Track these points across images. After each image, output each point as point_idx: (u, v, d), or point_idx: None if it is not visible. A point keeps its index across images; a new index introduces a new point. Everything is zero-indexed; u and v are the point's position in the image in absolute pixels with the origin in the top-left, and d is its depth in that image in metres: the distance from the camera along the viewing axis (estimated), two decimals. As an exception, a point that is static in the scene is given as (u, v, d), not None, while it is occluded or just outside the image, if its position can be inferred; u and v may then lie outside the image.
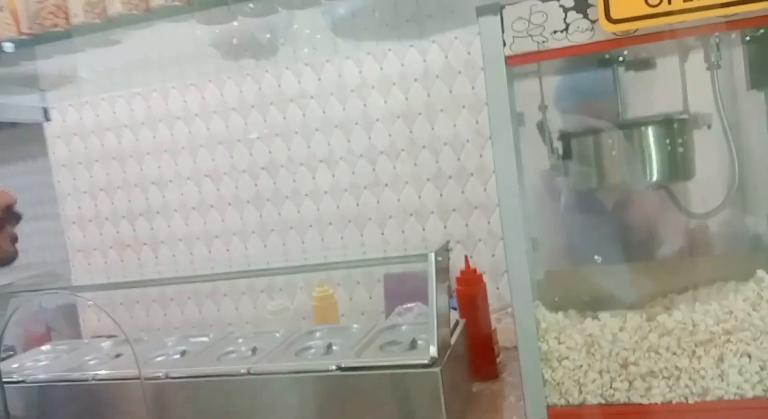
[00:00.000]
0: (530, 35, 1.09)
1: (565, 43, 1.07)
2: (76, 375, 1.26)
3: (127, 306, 2.73)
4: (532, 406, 1.06)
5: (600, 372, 1.06)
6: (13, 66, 1.77)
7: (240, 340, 1.35)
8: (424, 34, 2.50)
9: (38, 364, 1.39)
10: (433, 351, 1.08)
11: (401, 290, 2.36)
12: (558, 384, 1.07)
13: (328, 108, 2.58)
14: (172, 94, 2.67)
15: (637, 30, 1.03)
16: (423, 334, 1.26)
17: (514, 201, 1.05)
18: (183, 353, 1.32)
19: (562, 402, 1.06)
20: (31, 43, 1.56)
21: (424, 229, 2.56)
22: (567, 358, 1.07)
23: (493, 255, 2.46)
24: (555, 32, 1.08)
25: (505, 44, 1.08)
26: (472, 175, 2.51)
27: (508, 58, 1.08)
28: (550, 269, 1.21)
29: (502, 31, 1.07)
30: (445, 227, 2.55)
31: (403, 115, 2.54)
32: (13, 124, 3.03)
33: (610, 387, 1.06)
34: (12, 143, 3.37)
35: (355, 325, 1.38)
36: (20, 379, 1.29)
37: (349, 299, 2.52)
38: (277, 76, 2.61)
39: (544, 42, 1.09)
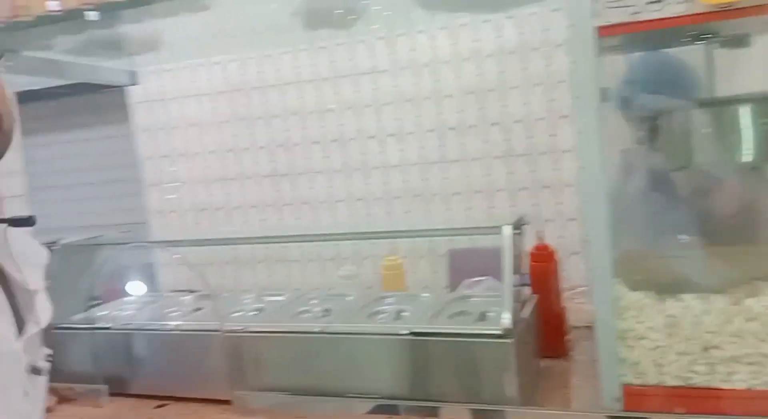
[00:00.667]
0: (623, 6, 1.06)
1: (661, 15, 1.04)
2: (159, 324, 1.34)
3: (202, 268, 2.85)
4: (607, 384, 1.05)
5: (680, 354, 1.04)
6: (103, 28, 1.83)
7: (313, 301, 1.40)
8: (500, 8, 2.45)
9: (123, 314, 1.48)
10: (506, 322, 1.08)
11: (466, 266, 2.36)
12: (634, 363, 1.06)
13: (400, 82, 2.58)
14: (249, 65, 2.73)
15: (736, 2, 0.99)
16: (494, 307, 1.26)
17: (596, 177, 1.03)
18: (259, 310, 1.38)
19: (638, 381, 1.05)
20: (120, 6, 1.62)
21: (491, 207, 2.55)
22: (645, 338, 1.06)
23: (561, 237, 2.42)
24: (650, 3, 1.04)
25: (594, 15, 1.06)
26: (543, 154, 2.47)
27: (600, 29, 1.05)
28: (629, 249, 1.18)
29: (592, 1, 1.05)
30: (512, 206, 2.52)
31: (475, 92, 2.51)
32: (96, 91, 3.17)
33: (690, 369, 1.03)
34: (95, 109, 3.54)
35: (424, 294, 1.39)
36: (107, 326, 1.38)
37: (412, 272, 2.55)
38: (351, 49, 2.63)
39: (637, 13, 1.06)
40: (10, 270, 0.74)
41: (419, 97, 2.57)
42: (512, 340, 1.08)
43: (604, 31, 1.05)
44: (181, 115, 2.83)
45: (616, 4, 1.09)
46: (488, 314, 1.25)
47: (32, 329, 0.73)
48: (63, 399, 1.34)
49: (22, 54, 1.66)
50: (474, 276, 1.65)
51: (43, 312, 0.76)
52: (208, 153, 2.80)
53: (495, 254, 2.49)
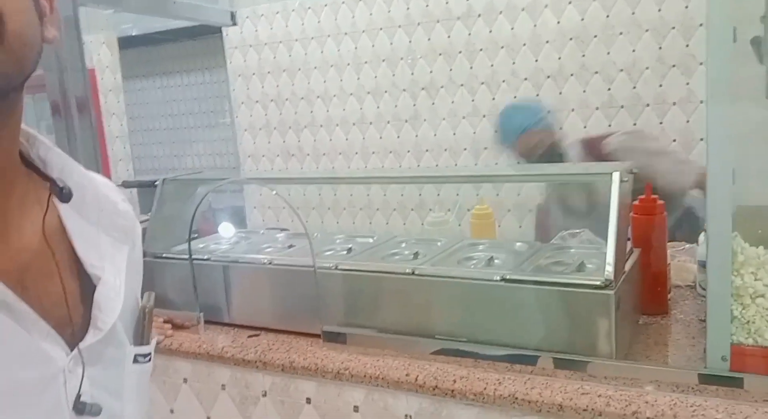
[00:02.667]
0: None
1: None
2: (254, 258, 1.38)
3: (290, 210, 2.92)
4: (715, 341, 0.99)
5: (800, 316, 0.95)
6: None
7: (403, 245, 1.39)
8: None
9: (220, 247, 1.54)
10: (608, 272, 1.03)
11: (556, 220, 2.28)
12: (747, 322, 0.98)
13: (495, 28, 2.48)
14: (342, 10, 2.70)
15: None
16: (593, 259, 1.21)
17: (723, 125, 0.95)
18: (349, 250, 1.39)
19: (750, 341, 0.98)
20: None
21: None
22: (763, 296, 0.98)
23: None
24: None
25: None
26: (647, 105, 2.32)
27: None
28: (749, 204, 1.09)
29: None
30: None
31: (577, 37, 2.37)
32: (195, 37, 3.26)
33: (810, 334, 0.95)
34: (193, 55, 3.64)
35: (518, 243, 1.35)
36: (206, 257, 1.43)
37: (497, 226, 2.50)
38: (448, -10, 2.54)
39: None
40: (80, 248, 0.55)
41: (516, 43, 2.46)
42: (613, 292, 1.03)
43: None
44: (273, 60, 2.86)
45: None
46: (587, 266, 1.19)
47: (91, 337, 0.53)
48: (174, 326, 1.42)
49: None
50: (561, 231, 1.58)
51: (108, 309, 0.55)
52: (299, 98, 2.83)
53: (586, 211, 2.40)
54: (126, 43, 3.15)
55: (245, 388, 1.28)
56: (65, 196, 0.55)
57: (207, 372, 1.32)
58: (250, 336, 1.34)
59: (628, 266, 1.17)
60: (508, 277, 1.12)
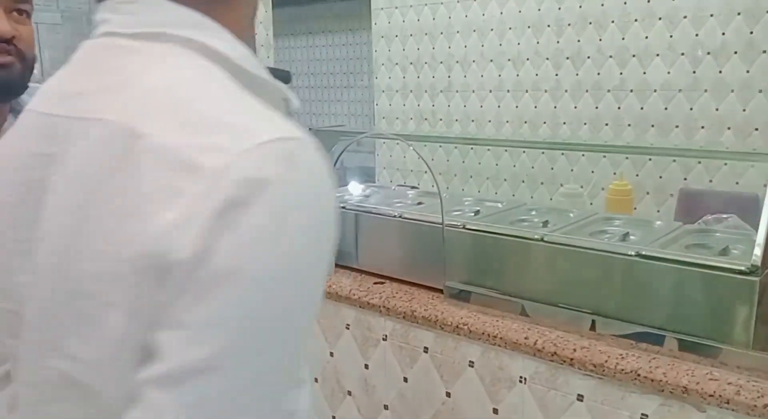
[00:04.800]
0: None
1: None
2: (386, 209, 1.44)
3: (417, 174, 2.97)
4: None
5: None
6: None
7: (533, 212, 1.39)
8: None
9: (354, 197, 1.62)
10: (756, 258, 0.97)
11: (697, 208, 2.14)
12: None
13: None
14: (488, -27, 2.65)
15: None
16: (738, 244, 1.13)
17: None
18: (477, 212, 1.41)
19: None
20: None
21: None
22: None
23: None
24: None
25: None
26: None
27: None
28: None
29: None
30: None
31: (744, 12, 2.16)
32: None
33: None
34: (339, 16, 3.76)
35: (657, 221, 1.30)
36: (341, 206, 1.52)
37: (633, 209, 2.39)
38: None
39: None
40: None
41: (676, 16, 2.29)
42: (758, 279, 0.97)
43: None
44: (417, 23, 2.88)
45: None
46: (732, 250, 1.13)
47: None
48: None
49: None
50: (706, 215, 1.49)
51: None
52: (438, 62, 2.84)
53: (735, 199, 2.22)
54: (279, 1, 3.32)
55: (367, 330, 1.36)
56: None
57: (334, 312, 1.42)
58: (375, 283, 1.41)
59: (776, 256, 1.09)
60: (644, 253, 1.09)
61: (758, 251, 0.97)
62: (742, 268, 0.99)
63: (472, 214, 1.43)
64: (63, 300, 0.45)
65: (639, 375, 1.00)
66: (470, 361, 1.20)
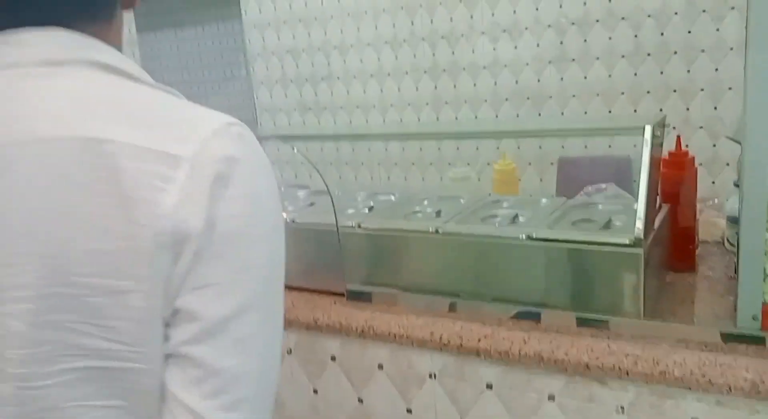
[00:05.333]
0: None
1: None
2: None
3: (308, 166, 2.90)
4: (746, 300, 0.97)
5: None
6: None
7: (425, 202, 1.38)
8: None
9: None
10: (638, 231, 1.00)
11: (578, 174, 2.24)
12: (781, 282, 0.96)
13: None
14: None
15: None
16: (620, 215, 1.18)
17: (763, 73, 0.90)
18: (371, 208, 1.38)
19: (782, 301, 0.96)
20: None
21: (610, 112, 2.37)
22: (798, 255, 0.95)
23: (688, 146, 2.23)
24: None
25: None
26: (675, 53, 2.23)
27: None
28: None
29: None
30: (635, 111, 2.33)
31: (603, -19, 2.27)
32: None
33: None
34: (207, 4, 3.56)
35: (543, 199, 1.33)
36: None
37: (518, 186, 2.47)
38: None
39: None
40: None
41: (538, -11, 2.36)
42: (642, 250, 1.01)
43: None
44: (289, 10, 2.78)
45: None
46: (615, 223, 1.17)
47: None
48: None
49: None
50: (584, 186, 1.55)
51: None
52: (316, 50, 2.76)
53: (610, 163, 2.35)
54: (139, -6, 3.08)
55: (270, 345, 1.30)
56: None
57: (232, 330, 1.34)
58: (273, 294, 1.35)
59: (657, 222, 1.15)
60: (533, 236, 1.11)
61: (639, 224, 1.01)
62: (626, 242, 1.03)
63: (366, 211, 1.40)
64: (67, 304, 0.47)
65: (542, 357, 1.02)
66: (379, 364, 1.18)
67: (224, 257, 0.48)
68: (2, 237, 0.47)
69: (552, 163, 2.48)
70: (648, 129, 1.04)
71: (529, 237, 1.11)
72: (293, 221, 1.33)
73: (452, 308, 1.17)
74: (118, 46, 0.56)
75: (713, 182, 2.21)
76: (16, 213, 0.47)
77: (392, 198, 1.45)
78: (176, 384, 0.48)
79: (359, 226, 1.25)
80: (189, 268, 0.47)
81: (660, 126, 1.09)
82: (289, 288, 1.33)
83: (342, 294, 1.28)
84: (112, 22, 0.55)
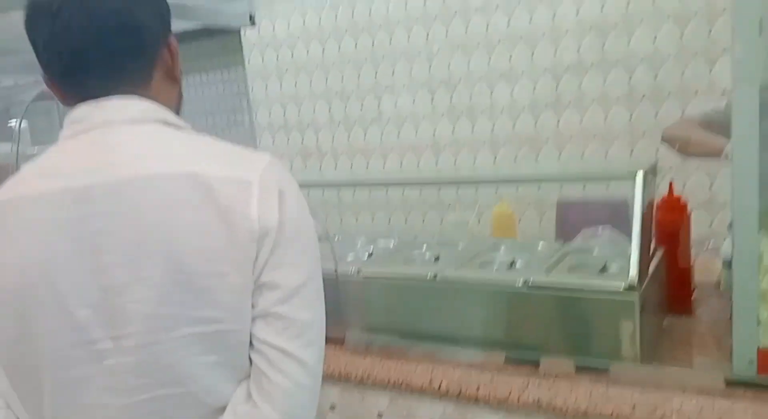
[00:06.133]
0: None
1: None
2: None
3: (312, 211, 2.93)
4: (741, 345, 0.97)
5: (830, 320, 0.93)
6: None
7: (424, 247, 1.39)
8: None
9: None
10: (632, 276, 1.02)
11: (576, 217, 2.26)
12: (775, 326, 0.97)
13: (514, 19, 2.45)
14: (358, 6, 2.69)
15: None
16: (617, 259, 1.20)
17: (751, 120, 0.93)
18: (370, 254, 1.40)
19: (778, 346, 0.96)
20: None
21: (607, 153, 2.41)
22: (791, 300, 0.96)
23: (684, 189, 2.25)
24: None
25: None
26: (669, 95, 2.27)
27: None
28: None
29: None
30: (631, 153, 2.37)
31: (597, 28, 2.33)
32: (212, 34, 3.25)
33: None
34: (211, 53, 3.65)
35: (541, 242, 1.34)
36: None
37: (518, 222, 2.49)
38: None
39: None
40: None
41: (534, 35, 2.43)
42: (637, 296, 1.02)
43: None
44: (291, 59, 2.86)
45: None
46: (610, 268, 1.18)
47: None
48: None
49: None
50: (582, 229, 1.57)
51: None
52: (317, 97, 2.83)
53: (608, 206, 2.37)
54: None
55: (271, 393, 1.30)
56: None
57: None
58: (274, 341, 1.35)
59: (652, 267, 1.16)
60: (531, 283, 1.12)
61: (633, 271, 1.02)
62: (621, 288, 1.04)
63: (366, 256, 1.41)
64: (183, 287, 0.65)
65: (541, 404, 1.02)
66: (379, 412, 1.18)
67: (292, 245, 0.69)
68: (135, 243, 0.65)
69: (551, 206, 2.50)
70: (640, 175, 1.06)
71: (526, 284, 1.12)
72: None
73: (452, 355, 1.17)
74: (170, 106, 0.75)
75: (711, 223, 2.23)
76: (146, 226, 0.65)
77: (392, 243, 1.47)
78: (267, 334, 0.68)
79: (358, 273, 1.27)
80: (269, 254, 0.67)
81: (652, 171, 1.12)
82: (289, 335, 1.35)
83: (341, 342, 1.28)
84: (172, 92, 0.77)
